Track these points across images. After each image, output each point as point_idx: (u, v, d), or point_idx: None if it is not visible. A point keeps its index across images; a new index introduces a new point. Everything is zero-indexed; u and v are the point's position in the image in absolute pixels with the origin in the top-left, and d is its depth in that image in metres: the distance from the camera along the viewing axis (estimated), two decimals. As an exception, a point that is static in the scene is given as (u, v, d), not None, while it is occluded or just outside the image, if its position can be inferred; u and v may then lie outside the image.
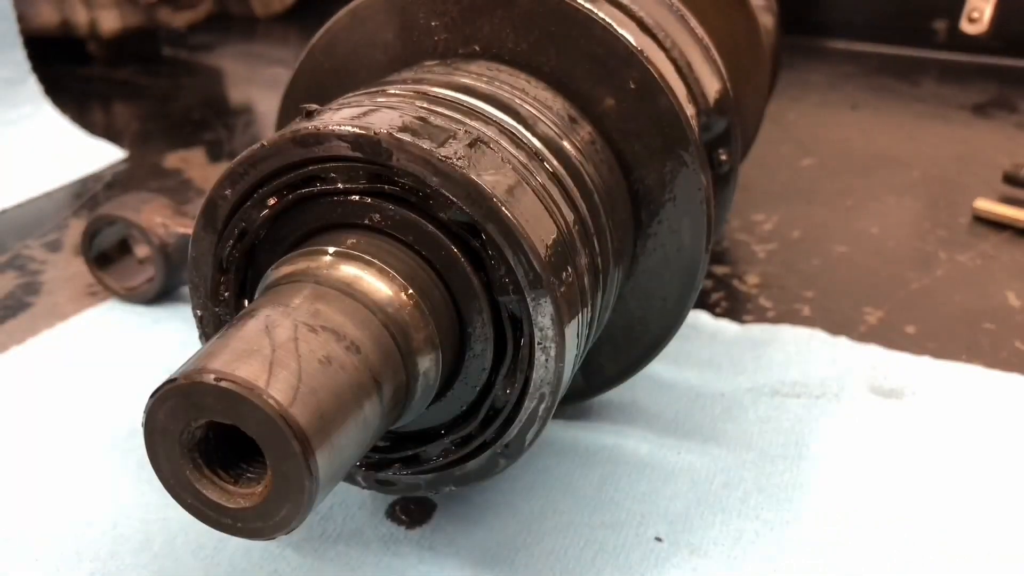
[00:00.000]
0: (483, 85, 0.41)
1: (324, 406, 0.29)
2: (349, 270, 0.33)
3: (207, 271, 0.37)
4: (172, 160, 0.86)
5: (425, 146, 0.34)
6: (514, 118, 0.39)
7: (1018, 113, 0.99)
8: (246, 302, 0.38)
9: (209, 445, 0.30)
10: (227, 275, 0.37)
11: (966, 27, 1.04)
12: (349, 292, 0.32)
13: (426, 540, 0.42)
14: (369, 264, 0.34)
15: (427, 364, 0.34)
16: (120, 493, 0.45)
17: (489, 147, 0.36)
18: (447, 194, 0.34)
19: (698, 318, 0.59)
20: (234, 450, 0.30)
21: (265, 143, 0.35)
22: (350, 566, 0.41)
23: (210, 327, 0.38)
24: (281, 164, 0.35)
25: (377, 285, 0.33)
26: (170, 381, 0.29)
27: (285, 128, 0.36)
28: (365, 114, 0.36)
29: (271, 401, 0.28)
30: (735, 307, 0.63)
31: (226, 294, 0.37)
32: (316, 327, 0.30)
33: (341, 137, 0.34)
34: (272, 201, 0.36)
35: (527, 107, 0.40)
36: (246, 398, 0.28)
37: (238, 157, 0.36)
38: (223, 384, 0.28)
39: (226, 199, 0.36)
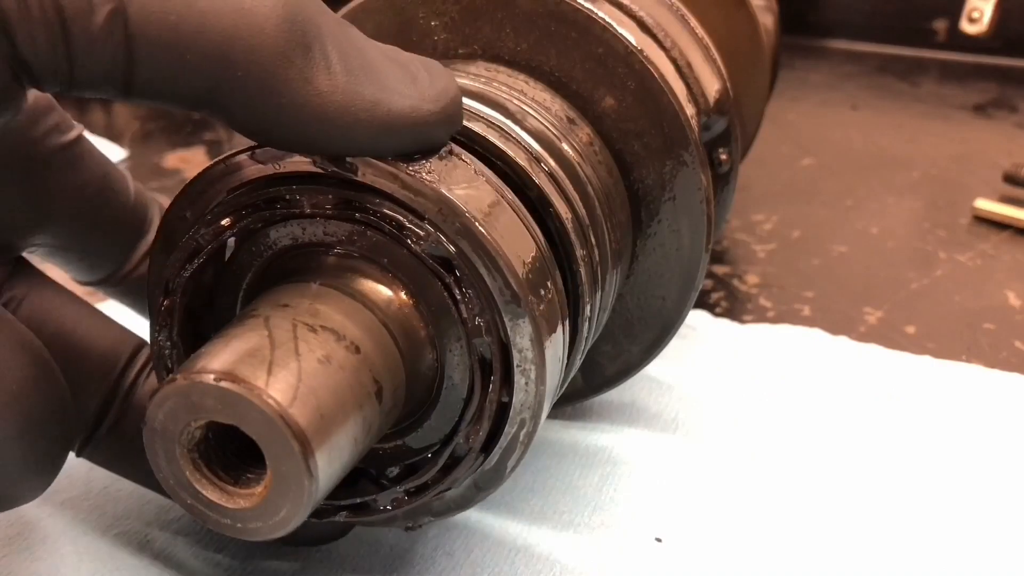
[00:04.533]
0: (480, 86, 0.41)
1: (324, 406, 0.29)
2: (348, 270, 0.33)
3: (163, 294, 0.34)
4: (172, 160, 0.86)
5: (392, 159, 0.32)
6: (505, 115, 0.39)
7: (1018, 113, 0.99)
8: (209, 327, 0.35)
9: (208, 445, 0.30)
10: (187, 298, 0.34)
11: (966, 27, 1.04)
12: (349, 292, 0.32)
13: (426, 540, 0.42)
14: (370, 263, 0.34)
15: (428, 364, 0.34)
16: (119, 493, 0.45)
17: (462, 159, 0.34)
18: (418, 209, 0.32)
19: (698, 318, 0.59)
20: (234, 450, 0.30)
21: (223, 159, 0.33)
22: (350, 567, 0.41)
23: (169, 354, 0.35)
24: (241, 181, 0.33)
25: (378, 285, 0.33)
26: (169, 381, 0.29)
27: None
28: None
29: (271, 401, 0.28)
30: (735, 307, 0.63)
31: (181, 320, 0.35)
32: (316, 326, 0.30)
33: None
34: (227, 222, 0.33)
35: (523, 106, 0.40)
36: (246, 398, 0.28)
37: (195, 175, 0.34)
38: (222, 384, 0.28)
39: (185, 220, 0.34)
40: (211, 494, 0.30)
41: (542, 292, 0.34)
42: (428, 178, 0.32)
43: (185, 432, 0.29)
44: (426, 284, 0.33)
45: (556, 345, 0.35)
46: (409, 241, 0.32)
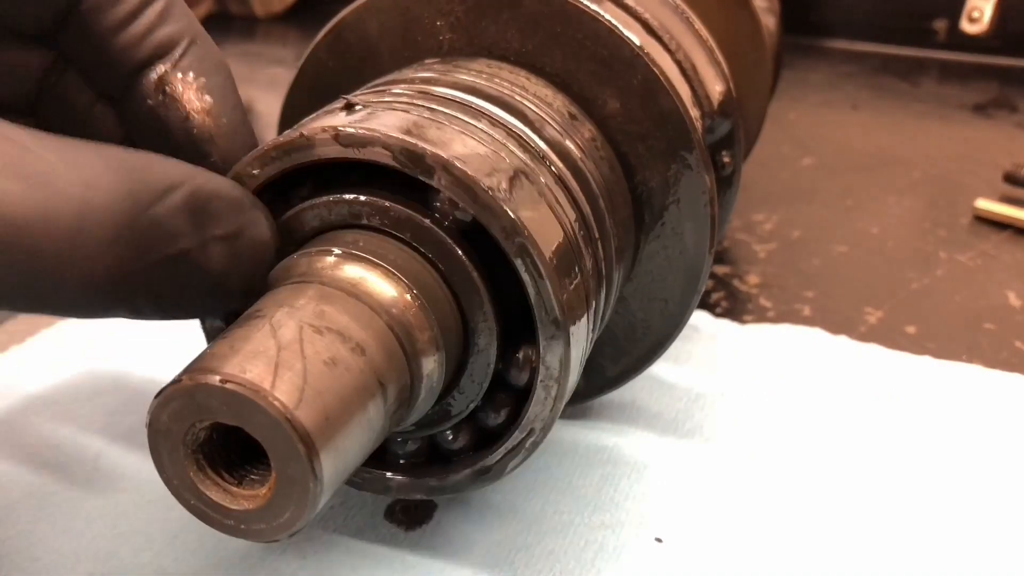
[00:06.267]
0: (483, 82, 0.41)
1: (329, 408, 0.29)
2: (354, 271, 0.33)
3: None
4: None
5: (470, 172, 0.33)
6: (521, 120, 0.39)
7: (1018, 113, 0.99)
8: None
9: (213, 446, 0.30)
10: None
11: (966, 27, 1.04)
12: (354, 293, 0.32)
13: (425, 541, 0.42)
14: (375, 265, 0.34)
15: (431, 366, 0.34)
16: (120, 493, 0.45)
17: (527, 179, 0.36)
18: (483, 223, 0.34)
19: (698, 318, 0.59)
20: (238, 451, 0.30)
21: (305, 133, 0.34)
22: (350, 567, 0.41)
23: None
24: (315, 158, 0.35)
25: (382, 286, 0.33)
26: (175, 382, 0.29)
27: (323, 117, 0.36)
28: (413, 124, 0.35)
29: (276, 403, 0.28)
30: (735, 307, 0.63)
31: None
32: (321, 328, 0.30)
33: (387, 146, 0.34)
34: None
35: (532, 108, 0.40)
36: (251, 400, 0.28)
37: (274, 140, 0.35)
38: (228, 386, 0.28)
39: (254, 178, 0.35)
40: (215, 495, 0.30)
41: (577, 316, 0.36)
42: (500, 196, 0.34)
43: (190, 433, 0.29)
44: (450, 255, 0.35)
45: (578, 366, 0.36)
46: (432, 199, 0.35)
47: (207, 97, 0.37)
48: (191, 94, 0.36)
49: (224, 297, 0.33)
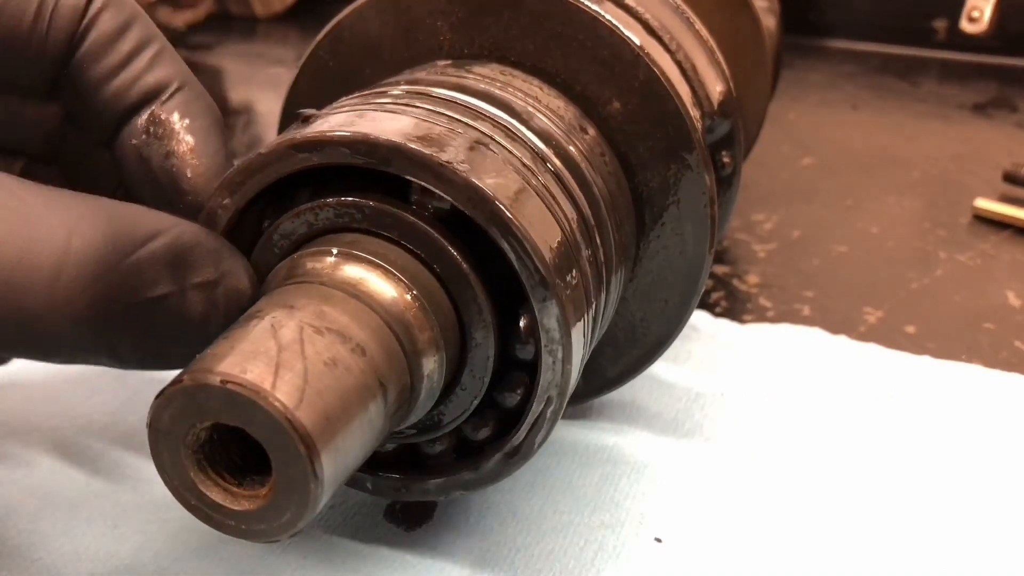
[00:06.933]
0: (496, 91, 0.41)
1: (330, 408, 0.29)
2: (354, 271, 0.33)
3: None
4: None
5: (426, 151, 0.33)
6: (511, 115, 0.39)
7: (1018, 113, 0.99)
8: None
9: (214, 447, 0.30)
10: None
11: (966, 26, 1.04)
12: (354, 293, 0.32)
13: (425, 540, 0.42)
14: (374, 265, 0.34)
15: (431, 366, 0.34)
16: (120, 493, 0.45)
17: (490, 149, 0.36)
18: (448, 197, 0.34)
19: (698, 318, 0.59)
20: (239, 452, 0.30)
21: (263, 151, 0.35)
22: (350, 567, 0.41)
23: None
24: (280, 172, 0.35)
25: (382, 286, 0.33)
26: (175, 382, 0.29)
27: (283, 135, 0.36)
28: (362, 118, 0.35)
29: (277, 404, 0.28)
30: (735, 307, 0.63)
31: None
32: (322, 328, 0.30)
33: (340, 143, 0.34)
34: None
35: (530, 108, 0.40)
36: (252, 400, 0.28)
37: (236, 166, 0.35)
38: (229, 386, 0.28)
39: (226, 208, 0.35)
40: (215, 496, 0.30)
41: (569, 277, 0.35)
42: (460, 168, 0.33)
43: (190, 433, 0.29)
44: (440, 251, 0.35)
45: (582, 326, 0.36)
46: (416, 194, 0.34)
47: (189, 138, 0.38)
48: (174, 134, 0.38)
49: (203, 346, 0.33)
